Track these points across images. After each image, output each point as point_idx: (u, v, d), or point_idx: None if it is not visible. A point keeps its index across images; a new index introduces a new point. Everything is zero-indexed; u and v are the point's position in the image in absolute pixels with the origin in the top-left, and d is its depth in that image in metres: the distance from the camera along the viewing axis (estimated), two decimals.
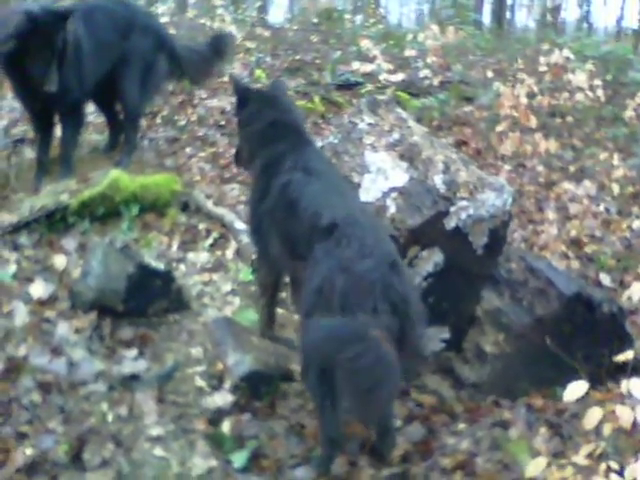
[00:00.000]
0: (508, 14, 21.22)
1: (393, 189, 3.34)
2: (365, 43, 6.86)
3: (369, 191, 3.38)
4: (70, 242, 3.70)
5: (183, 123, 5.50)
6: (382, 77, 6.48)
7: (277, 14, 19.00)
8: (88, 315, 3.15)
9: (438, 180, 3.38)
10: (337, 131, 3.84)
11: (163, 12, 7.04)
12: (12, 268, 3.47)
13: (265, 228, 3.01)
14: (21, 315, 3.15)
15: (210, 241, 3.99)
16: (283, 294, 3.46)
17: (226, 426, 2.79)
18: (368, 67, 6.50)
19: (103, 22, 4.45)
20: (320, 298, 2.58)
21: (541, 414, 3.04)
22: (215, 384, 2.97)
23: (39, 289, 3.30)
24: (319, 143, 3.91)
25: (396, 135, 3.61)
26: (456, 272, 3.35)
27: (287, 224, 2.88)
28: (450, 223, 3.29)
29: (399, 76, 6.56)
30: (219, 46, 5.04)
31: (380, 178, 3.41)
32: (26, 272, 3.47)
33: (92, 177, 4.01)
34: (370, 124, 3.72)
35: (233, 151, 5.13)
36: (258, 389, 2.97)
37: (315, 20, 10.08)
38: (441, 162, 3.46)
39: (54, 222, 3.81)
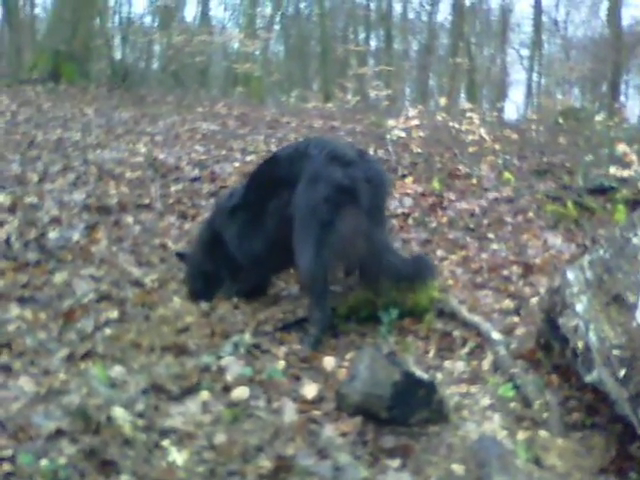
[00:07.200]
0: None
1: None
2: (621, 147, 6.60)
3: None
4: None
5: (434, 225, 5.59)
6: None
7: (511, 110, 19.06)
8: (353, 419, 3.19)
9: None
10: (608, 245, 3.67)
11: (413, 115, 7.36)
12: (281, 364, 3.64)
13: None
14: (290, 413, 3.26)
15: (466, 350, 3.92)
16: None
17: None
18: (625, 172, 6.23)
19: None
20: None
21: None
22: None
23: (307, 388, 3.42)
24: (586, 257, 3.77)
25: None
26: None
27: None
28: None
29: None
30: (421, 269, 4.19)
31: None
32: (294, 370, 3.61)
33: None
34: None
35: (484, 255, 5.15)
36: None
37: (560, 120, 9.93)
38: None
39: None
